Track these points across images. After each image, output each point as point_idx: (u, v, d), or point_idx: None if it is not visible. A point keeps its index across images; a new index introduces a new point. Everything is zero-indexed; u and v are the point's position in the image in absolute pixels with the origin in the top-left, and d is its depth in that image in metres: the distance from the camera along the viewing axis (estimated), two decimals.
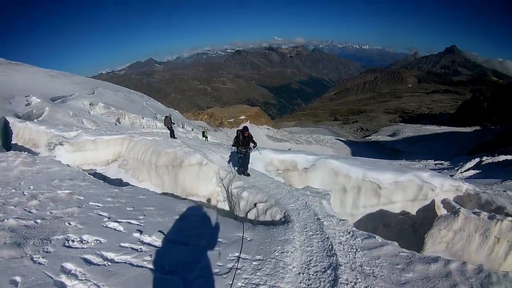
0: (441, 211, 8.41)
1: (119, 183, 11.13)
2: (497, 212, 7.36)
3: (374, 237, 4.54)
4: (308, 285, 3.16)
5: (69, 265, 3.11)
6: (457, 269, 3.54)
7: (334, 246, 4.00)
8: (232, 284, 3.00)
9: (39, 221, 4.25)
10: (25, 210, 4.65)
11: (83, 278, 2.96)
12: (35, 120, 15.97)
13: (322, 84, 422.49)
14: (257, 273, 3.28)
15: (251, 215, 6.97)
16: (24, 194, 5.38)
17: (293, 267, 3.51)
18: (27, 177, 6.67)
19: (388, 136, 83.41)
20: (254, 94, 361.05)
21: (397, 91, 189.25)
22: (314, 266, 3.57)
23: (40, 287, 2.73)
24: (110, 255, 3.39)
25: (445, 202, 8.59)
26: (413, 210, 9.16)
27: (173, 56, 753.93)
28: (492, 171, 20.00)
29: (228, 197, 9.36)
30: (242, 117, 62.91)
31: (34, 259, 3.18)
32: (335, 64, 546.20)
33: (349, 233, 4.71)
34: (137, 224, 4.34)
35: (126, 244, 3.64)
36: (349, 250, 3.97)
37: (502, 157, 23.41)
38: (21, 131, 14.84)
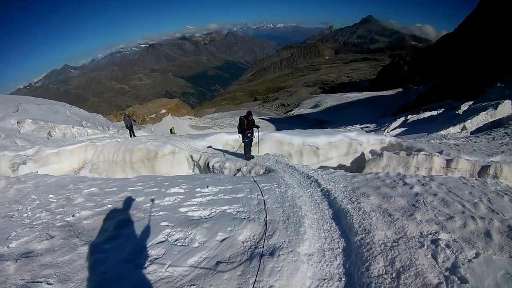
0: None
1: None
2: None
3: (328, 169, 7.37)
4: (307, 188, 5.69)
5: (182, 209, 4.40)
6: (384, 175, 5.72)
7: (309, 174, 6.68)
8: (261, 191, 5.35)
9: (109, 206, 4.61)
10: (79, 207, 4.70)
11: (196, 208, 4.46)
12: None
13: (238, 67, 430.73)
14: (281, 188, 5.68)
15: None
16: (53, 201, 5.18)
17: (294, 185, 5.99)
18: (33, 192, 6.20)
19: (310, 108, 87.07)
20: (172, 86, 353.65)
21: (315, 64, 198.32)
22: (304, 182, 6.18)
23: (179, 218, 4.00)
24: (194, 201, 4.85)
25: (372, 152, 10.77)
26: (347, 162, 11.68)
27: (88, 59, 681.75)
28: (418, 127, 22.35)
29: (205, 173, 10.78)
30: (163, 111, 60.36)
31: (153, 213, 4.15)
32: (249, 45, 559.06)
33: (312, 170, 7.41)
34: (187, 187, 5.74)
35: (198, 195, 5.23)
36: (318, 175, 6.67)
37: (427, 114, 25.57)
38: None
